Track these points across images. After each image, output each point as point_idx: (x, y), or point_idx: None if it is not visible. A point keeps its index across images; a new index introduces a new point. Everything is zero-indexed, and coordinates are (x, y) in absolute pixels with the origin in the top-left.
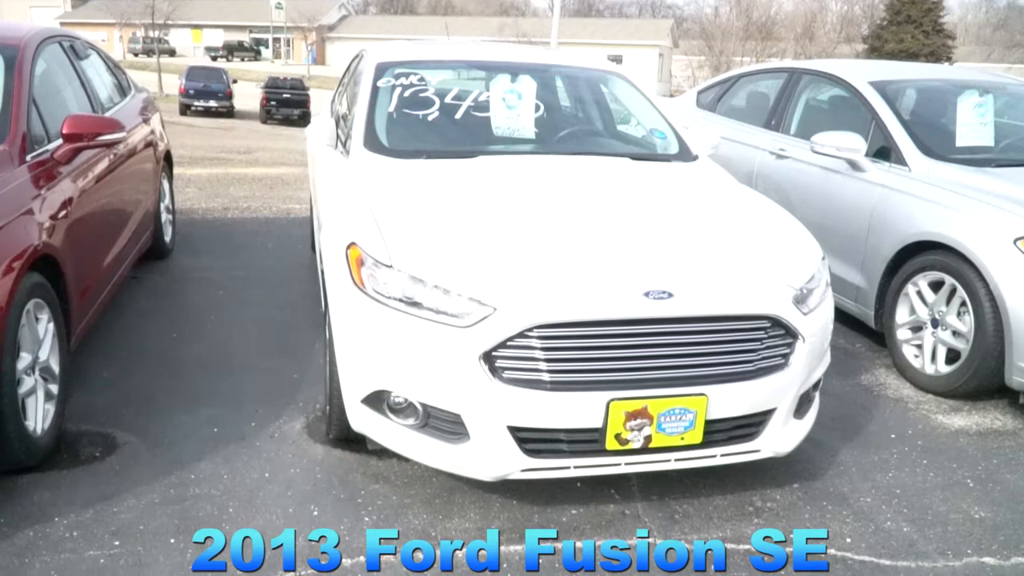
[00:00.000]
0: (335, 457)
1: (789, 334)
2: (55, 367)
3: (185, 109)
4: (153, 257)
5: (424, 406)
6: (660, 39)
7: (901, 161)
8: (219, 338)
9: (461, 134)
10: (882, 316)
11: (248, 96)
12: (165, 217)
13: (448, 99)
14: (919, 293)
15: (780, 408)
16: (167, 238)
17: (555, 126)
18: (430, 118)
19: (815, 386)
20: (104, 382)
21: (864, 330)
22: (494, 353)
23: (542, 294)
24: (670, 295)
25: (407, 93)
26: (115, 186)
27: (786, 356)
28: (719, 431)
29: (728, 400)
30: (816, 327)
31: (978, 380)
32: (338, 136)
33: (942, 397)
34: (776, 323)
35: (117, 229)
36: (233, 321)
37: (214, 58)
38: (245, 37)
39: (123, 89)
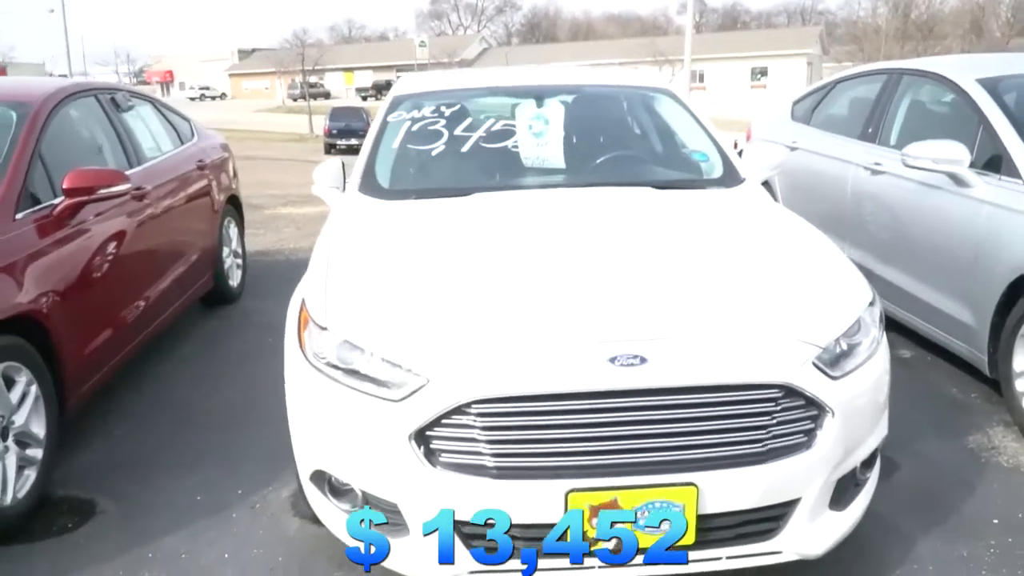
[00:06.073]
0: (307, 534)
1: (812, 405)
2: (38, 432)
3: (329, 148)
4: (219, 302)
5: (363, 492)
6: (808, 47)
7: (1014, 173)
8: (251, 389)
9: (463, 170)
10: (997, 361)
11: None
12: (231, 262)
13: (458, 131)
14: None
15: (806, 498)
16: (233, 283)
17: (577, 155)
18: (434, 153)
19: (867, 463)
20: (111, 439)
21: (984, 376)
22: (428, 432)
23: (483, 362)
24: (643, 360)
25: (416, 127)
26: (145, 236)
27: (810, 432)
28: (720, 528)
29: (728, 490)
30: (855, 392)
31: None
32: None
33: None
34: (791, 392)
35: (146, 281)
36: (269, 371)
37: (364, 98)
38: (392, 76)
39: (180, 137)
